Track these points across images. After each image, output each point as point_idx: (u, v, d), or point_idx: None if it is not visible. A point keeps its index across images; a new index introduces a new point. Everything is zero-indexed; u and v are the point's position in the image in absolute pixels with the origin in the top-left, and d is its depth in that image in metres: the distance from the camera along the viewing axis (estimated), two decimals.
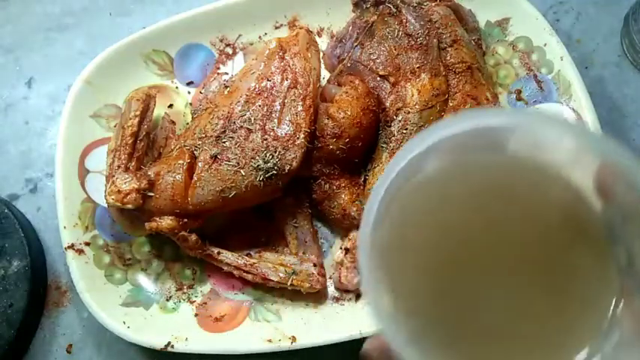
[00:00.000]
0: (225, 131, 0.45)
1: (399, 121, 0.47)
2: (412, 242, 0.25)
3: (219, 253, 0.47)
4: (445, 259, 0.24)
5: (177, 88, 0.54)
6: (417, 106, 0.46)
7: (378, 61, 0.48)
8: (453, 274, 0.24)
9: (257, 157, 0.44)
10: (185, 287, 0.49)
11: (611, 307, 0.22)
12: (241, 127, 0.45)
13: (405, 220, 0.25)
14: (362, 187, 0.48)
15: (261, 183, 0.44)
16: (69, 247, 0.47)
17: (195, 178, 0.45)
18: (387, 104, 0.47)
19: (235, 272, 0.47)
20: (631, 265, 0.22)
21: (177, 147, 0.47)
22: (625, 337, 0.21)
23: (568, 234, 0.24)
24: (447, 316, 0.24)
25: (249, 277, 0.47)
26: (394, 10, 0.49)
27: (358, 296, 0.48)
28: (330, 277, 0.48)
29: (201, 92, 0.52)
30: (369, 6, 0.51)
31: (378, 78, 0.48)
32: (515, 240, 0.24)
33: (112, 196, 0.44)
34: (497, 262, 0.24)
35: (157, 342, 0.45)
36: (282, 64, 0.47)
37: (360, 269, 0.23)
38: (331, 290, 0.48)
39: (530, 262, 0.24)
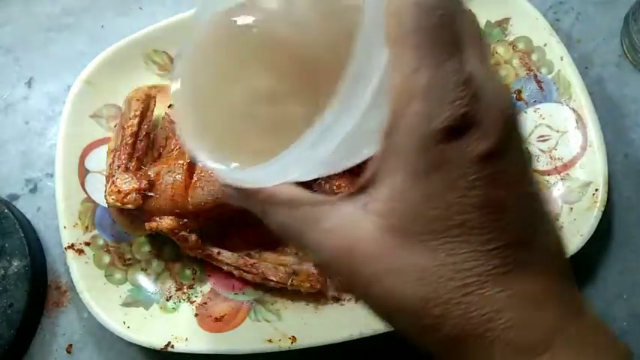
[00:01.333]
0: None
1: None
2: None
3: (219, 253, 0.47)
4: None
5: None
6: None
7: None
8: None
9: None
10: (185, 287, 0.49)
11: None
12: None
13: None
14: None
15: None
16: (69, 247, 0.47)
17: (195, 178, 0.45)
18: None
19: (235, 272, 0.47)
20: None
21: (177, 147, 0.47)
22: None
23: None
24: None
25: (249, 277, 0.47)
26: None
27: None
28: (330, 277, 0.48)
29: None
30: None
31: None
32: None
33: (112, 196, 0.44)
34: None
35: (156, 342, 0.45)
36: None
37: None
38: (331, 290, 0.48)
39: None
